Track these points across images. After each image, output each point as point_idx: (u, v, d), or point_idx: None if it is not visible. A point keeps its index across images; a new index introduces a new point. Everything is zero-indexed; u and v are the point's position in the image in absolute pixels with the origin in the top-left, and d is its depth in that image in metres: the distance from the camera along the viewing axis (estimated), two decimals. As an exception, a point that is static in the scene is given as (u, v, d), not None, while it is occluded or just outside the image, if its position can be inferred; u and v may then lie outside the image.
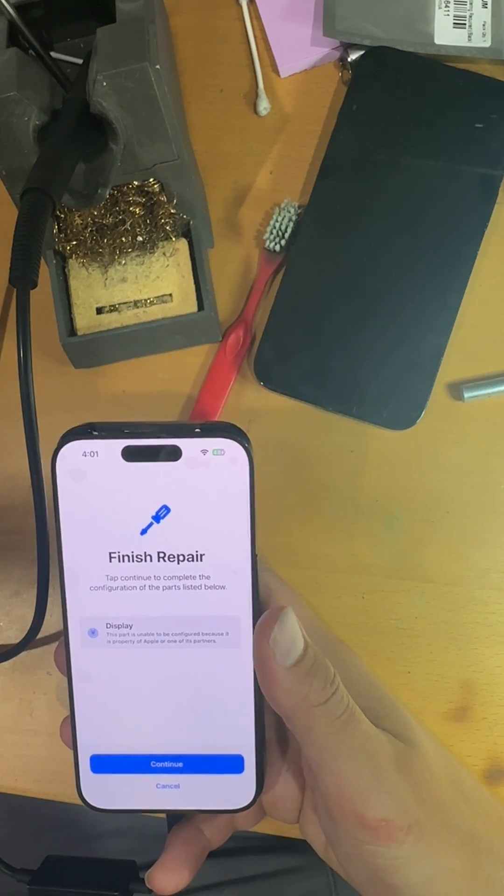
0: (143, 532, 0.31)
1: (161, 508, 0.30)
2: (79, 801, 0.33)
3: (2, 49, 0.38)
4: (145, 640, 0.31)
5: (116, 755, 0.32)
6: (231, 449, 0.30)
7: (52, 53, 0.43)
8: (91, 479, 0.30)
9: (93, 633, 0.31)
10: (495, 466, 0.42)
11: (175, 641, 0.31)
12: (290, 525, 0.43)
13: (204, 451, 0.30)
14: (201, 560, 0.31)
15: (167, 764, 0.32)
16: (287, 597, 0.33)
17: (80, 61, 0.44)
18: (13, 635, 0.43)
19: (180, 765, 0.32)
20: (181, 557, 0.31)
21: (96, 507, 0.30)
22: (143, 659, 0.31)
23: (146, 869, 0.33)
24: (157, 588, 0.31)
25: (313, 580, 0.42)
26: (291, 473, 0.43)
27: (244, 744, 0.32)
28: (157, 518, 0.30)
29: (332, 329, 0.42)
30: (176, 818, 0.34)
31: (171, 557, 0.31)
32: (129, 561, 0.31)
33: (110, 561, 0.31)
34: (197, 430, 0.30)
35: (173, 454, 0.30)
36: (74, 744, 0.32)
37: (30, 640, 0.40)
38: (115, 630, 0.31)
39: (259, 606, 0.32)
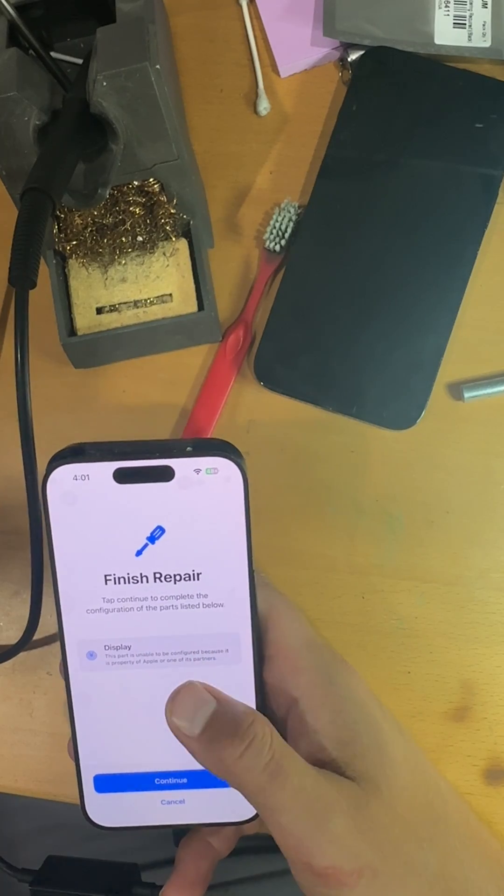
0: (139, 553, 0.30)
1: (156, 529, 0.30)
2: (79, 801, 0.33)
3: (2, 49, 0.38)
4: (145, 661, 0.31)
5: (120, 774, 0.32)
6: (224, 467, 0.29)
7: (52, 53, 0.43)
8: (83, 502, 0.30)
9: (91, 655, 0.31)
10: (495, 466, 0.42)
11: (175, 660, 0.31)
12: (290, 525, 0.43)
13: (197, 471, 0.29)
14: (198, 579, 0.30)
15: (171, 780, 0.32)
16: (286, 612, 0.33)
17: (80, 61, 0.44)
18: (13, 635, 0.43)
19: (184, 780, 0.32)
20: (178, 577, 0.30)
21: (89, 530, 0.30)
22: (143, 678, 0.31)
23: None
24: (155, 608, 0.31)
25: (313, 580, 0.42)
26: (291, 473, 0.43)
27: None
28: (151, 539, 0.30)
29: (332, 329, 0.42)
30: (182, 831, 0.34)
31: (167, 578, 0.30)
32: (125, 583, 0.30)
33: (106, 583, 0.30)
34: (189, 448, 0.30)
35: (166, 475, 0.30)
36: (77, 764, 0.32)
37: (26, 641, 0.40)
38: (113, 651, 0.31)
39: (258, 622, 0.31)
